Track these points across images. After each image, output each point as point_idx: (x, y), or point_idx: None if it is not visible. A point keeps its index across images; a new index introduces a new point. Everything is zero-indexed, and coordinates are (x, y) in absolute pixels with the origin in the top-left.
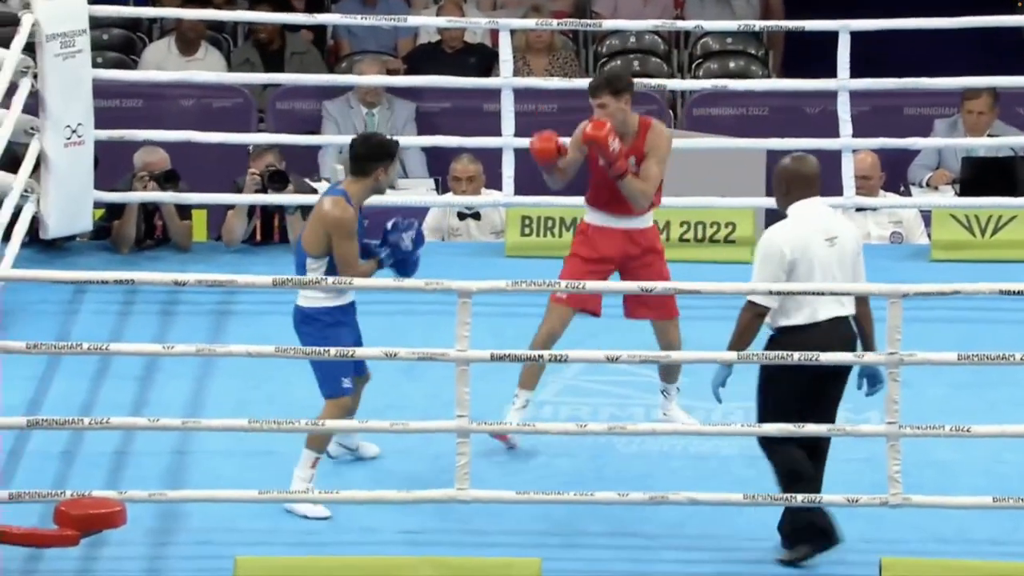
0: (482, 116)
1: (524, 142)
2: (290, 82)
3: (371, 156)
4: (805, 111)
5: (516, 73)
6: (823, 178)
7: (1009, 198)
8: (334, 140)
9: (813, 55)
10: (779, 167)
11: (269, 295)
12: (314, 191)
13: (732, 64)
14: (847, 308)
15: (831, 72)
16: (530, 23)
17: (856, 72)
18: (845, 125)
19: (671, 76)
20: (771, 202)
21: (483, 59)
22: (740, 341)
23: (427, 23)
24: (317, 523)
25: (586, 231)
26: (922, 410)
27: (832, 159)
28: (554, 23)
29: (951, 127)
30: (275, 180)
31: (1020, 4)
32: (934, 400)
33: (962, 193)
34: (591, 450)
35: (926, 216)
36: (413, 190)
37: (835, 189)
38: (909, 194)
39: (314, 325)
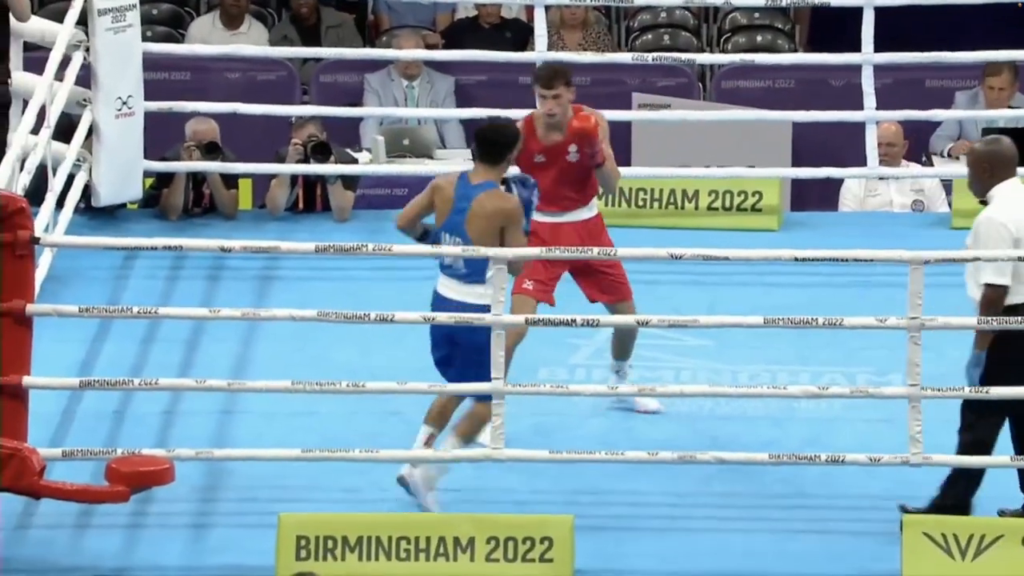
0: (517, 88)
1: None
2: (331, 56)
3: (506, 143)
4: (830, 84)
5: (550, 47)
6: (847, 149)
7: None
8: (373, 112)
9: (838, 30)
10: (976, 152)
11: (311, 261)
12: (355, 161)
13: (759, 38)
14: None
15: (855, 46)
16: None
17: (879, 46)
18: (869, 98)
19: (700, 50)
20: (797, 172)
21: (518, 34)
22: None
23: None
24: (358, 480)
25: (538, 232)
26: (943, 372)
27: (856, 130)
28: None
29: (972, 99)
30: (318, 151)
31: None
32: (954, 363)
33: None
34: (622, 411)
35: (947, 185)
36: (452, 160)
37: (860, 159)
38: (931, 164)
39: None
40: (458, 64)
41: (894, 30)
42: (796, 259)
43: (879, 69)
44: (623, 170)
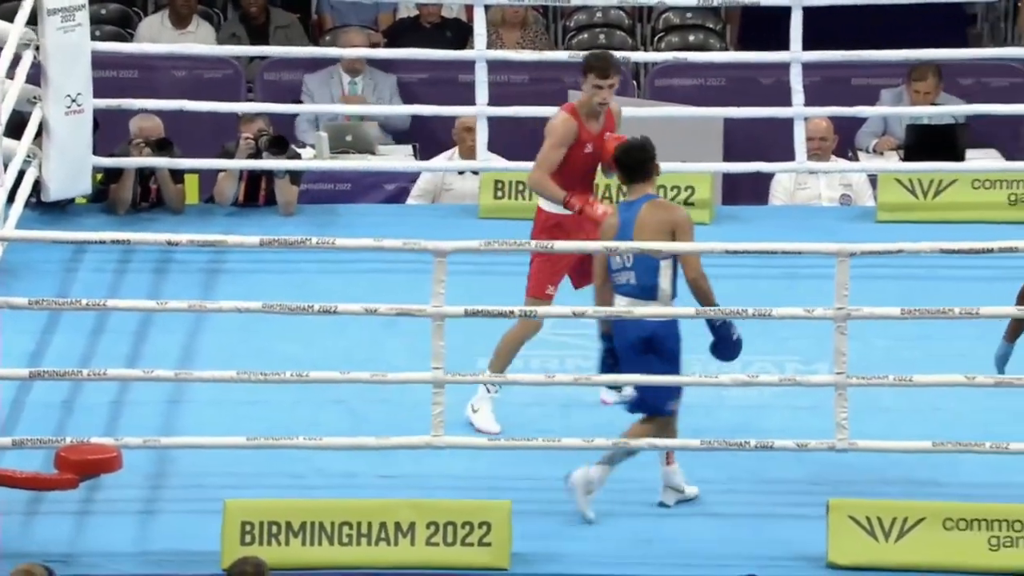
0: (457, 86)
1: (496, 111)
2: (277, 54)
3: (650, 158)
4: (760, 82)
5: (489, 46)
6: (776, 144)
7: (950, 163)
8: (317, 109)
9: (767, 29)
10: None
11: (257, 254)
12: (299, 156)
13: (692, 37)
14: None
15: (784, 45)
16: None
17: (808, 45)
18: (797, 95)
19: (634, 49)
20: (728, 167)
21: (458, 33)
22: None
23: None
24: (302, 467)
25: (562, 224)
26: (868, 361)
27: (785, 126)
28: None
29: (897, 96)
30: (275, 145)
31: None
32: (879, 352)
33: (906, 158)
34: (559, 399)
35: (873, 180)
36: (394, 156)
37: (789, 155)
38: (857, 159)
39: (675, 336)
40: (400, 62)
41: (822, 30)
42: (727, 251)
43: (807, 67)
44: None
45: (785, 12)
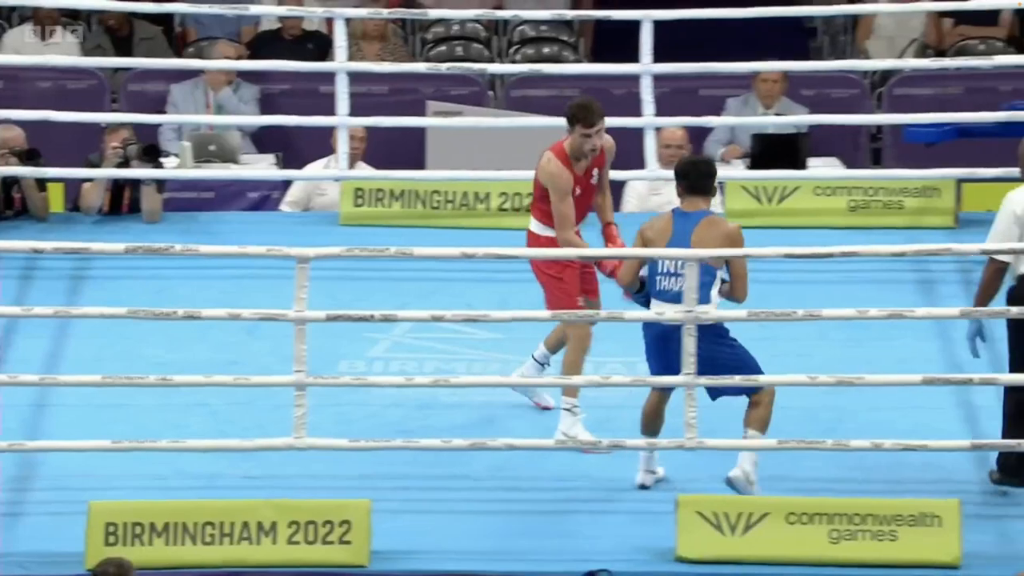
0: (319, 97)
1: (357, 120)
2: (142, 66)
3: (713, 174)
4: (612, 92)
5: (350, 58)
6: (629, 153)
7: (794, 171)
8: (186, 120)
9: (619, 42)
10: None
11: (122, 261)
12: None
13: (546, 50)
14: None
15: (635, 57)
16: (362, 12)
17: (658, 57)
18: (648, 105)
19: (491, 61)
20: None
21: (320, 45)
22: (983, 295)
23: (268, 12)
24: (165, 469)
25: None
26: None
27: (637, 135)
28: (384, 12)
29: (741, 105)
30: (148, 153)
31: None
32: None
33: (752, 166)
34: (418, 401)
35: (721, 187)
36: (256, 165)
37: (640, 162)
38: None
39: (724, 332)
40: (263, 73)
41: (671, 43)
42: (581, 256)
43: (657, 78)
44: (417, 173)
45: (636, 25)
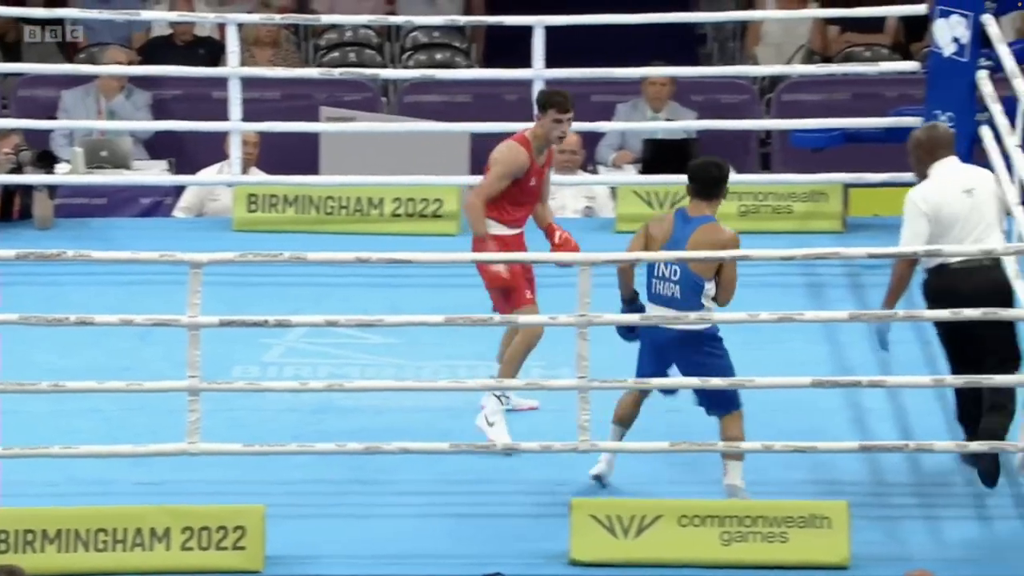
0: (212, 102)
1: (250, 126)
2: (34, 71)
3: (724, 178)
4: (505, 98)
5: (242, 64)
6: None
7: (684, 176)
8: (78, 125)
9: (511, 47)
10: (915, 138)
11: (13, 267)
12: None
13: (439, 55)
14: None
15: (527, 63)
16: (254, 18)
17: (550, 62)
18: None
19: (384, 66)
20: (474, 180)
21: (212, 51)
22: (897, 291)
23: (160, 17)
24: (57, 475)
25: (509, 243)
26: (609, 365)
27: None
28: (276, 18)
29: (631, 109)
30: (42, 159)
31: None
32: (620, 356)
33: (644, 171)
34: (312, 406)
35: (613, 192)
36: (149, 171)
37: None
38: (596, 172)
39: (718, 341)
40: (155, 79)
41: (563, 48)
42: (475, 261)
43: (549, 84)
44: (311, 179)
45: (528, 31)
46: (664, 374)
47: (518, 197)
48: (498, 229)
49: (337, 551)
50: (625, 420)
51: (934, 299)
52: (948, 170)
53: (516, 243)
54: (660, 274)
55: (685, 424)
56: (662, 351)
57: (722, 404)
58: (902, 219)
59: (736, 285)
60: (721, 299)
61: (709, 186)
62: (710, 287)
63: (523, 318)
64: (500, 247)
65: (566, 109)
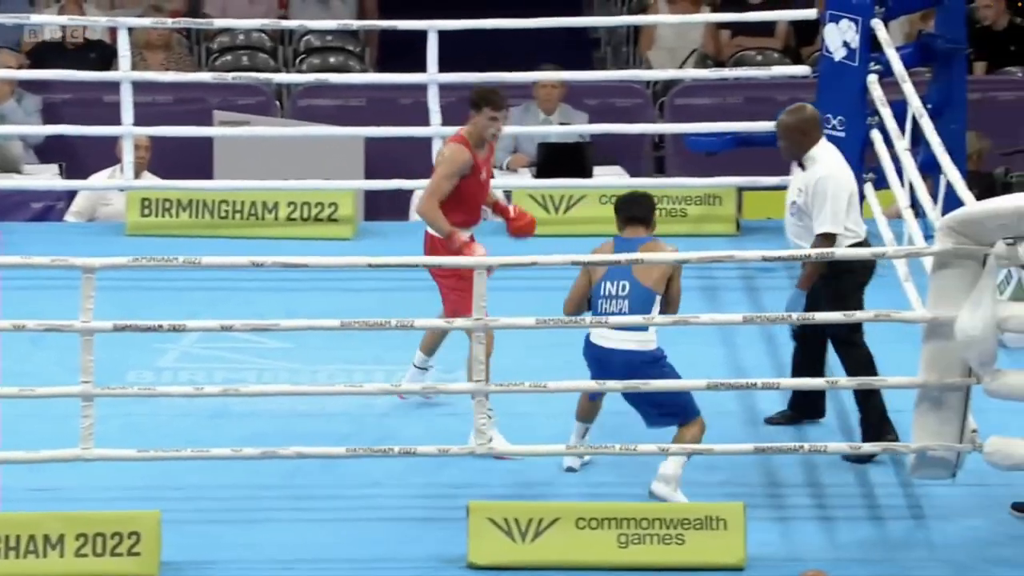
0: (102, 106)
1: (142, 130)
2: None
3: (654, 207)
4: (399, 102)
5: (134, 67)
6: (416, 162)
7: (579, 179)
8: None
9: (405, 51)
10: (786, 124)
11: None
12: None
13: (333, 59)
14: None
15: (422, 66)
16: (146, 22)
17: (444, 67)
18: (434, 114)
19: (277, 70)
20: (370, 184)
21: (103, 54)
22: (814, 272)
23: (49, 21)
24: None
25: (470, 243)
26: (505, 369)
27: (424, 145)
28: (168, 22)
29: (523, 112)
30: None
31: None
32: (516, 360)
33: (538, 175)
34: (208, 411)
35: (508, 195)
36: (39, 175)
37: (428, 172)
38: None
39: (661, 363)
40: (45, 83)
41: (457, 52)
42: (370, 265)
43: (444, 88)
44: (204, 183)
45: (422, 35)
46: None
47: (473, 192)
48: (465, 233)
49: (233, 556)
50: (586, 418)
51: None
52: (830, 149)
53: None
54: (607, 293)
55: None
56: (603, 368)
57: (679, 414)
58: (816, 201)
59: (679, 302)
60: (669, 312)
61: (646, 211)
62: (658, 301)
63: (419, 322)
64: (466, 248)
65: (500, 107)
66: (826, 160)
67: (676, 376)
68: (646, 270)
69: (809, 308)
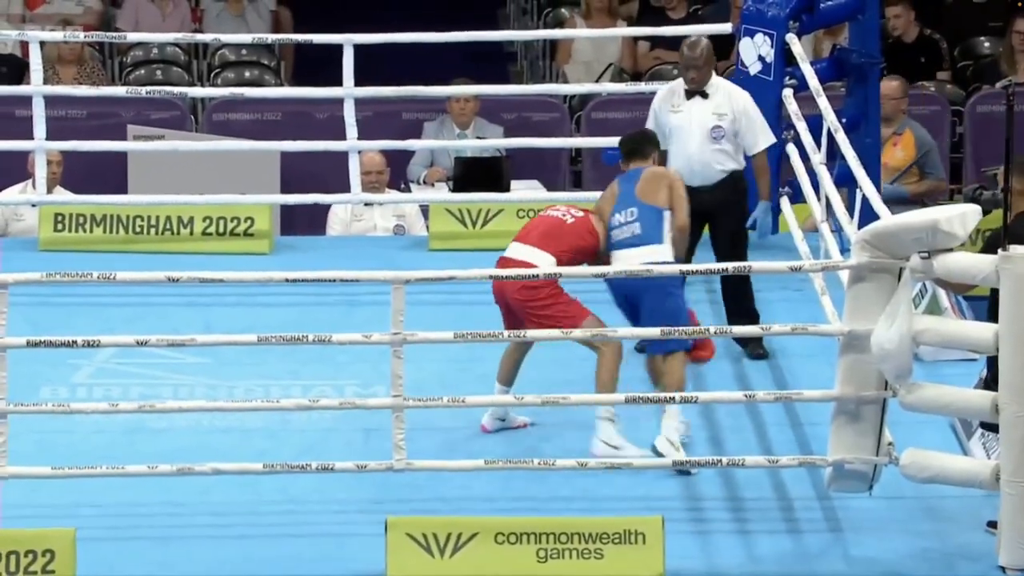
0: (14, 121)
1: (54, 144)
2: None
3: (642, 139)
4: (315, 116)
5: (46, 82)
6: (332, 176)
7: (496, 193)
8: None
9: (321, 65)
10: (705, 49)
11: None
12: None
13: (248, 73)
14: None
15: (338, 81)
16: (58, 35)
17: (360, 81)
18: (351, 128)
19: (191, 84)
20: (286, 198)
21: (14, 68)
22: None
23: None
24: None
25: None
26: (423, 384)
27: (341, 159)
28: (81, 35)
29: (438, 127)
30: None
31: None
32: (434, 374)
33: (455, 189)
34: (123, 427)
35: (424, 210)
36: None
37: (345, 186)
38: (409, 190)
39: (677, 286)
40: None
41: (373, 66)
42: (287, 280)
43: (360, 102)
44: (119, 198)
45: (337, 49)
46: (638, 321)
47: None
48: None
49: (148, 574)
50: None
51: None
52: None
53: None
54: (618, 223)
55: (498, 441)
56: (629, 302)
57: (669, 342)
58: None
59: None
60: (678, 220)
61: (640, 144)
62: (668, 215)
63: (337, 337)
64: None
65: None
66: (728, 84)
67: (683, 303)
68: (649, 192)
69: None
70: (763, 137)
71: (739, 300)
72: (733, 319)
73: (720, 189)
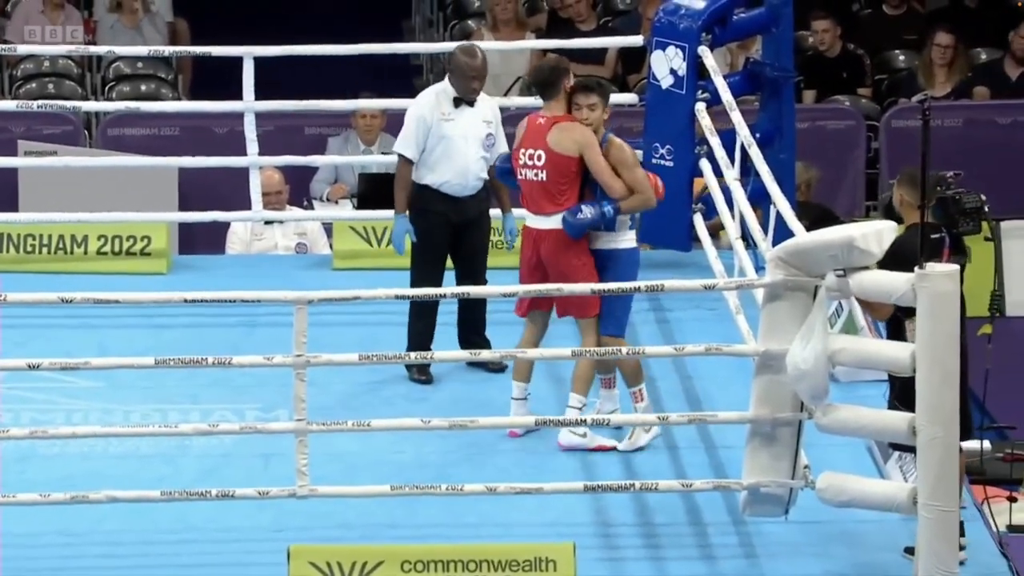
0: None
1: None
2: None
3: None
4: (214, 131)
5: None
6: (232, 194)
7: None
8: None
9: (220, 79)
10: (483, 57)
11: None
12: None
13: (144, 87)
14: None
15: (238, 95)
16: None
17: (261, 95)
18: (251, 144)
19: (85, 98)
20: (184, 216)
21: None
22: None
23: None
24: None
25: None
26: (327, 407)
27: (241, 175)
28: None
29: (343, 143)
30: None
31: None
32: (338, 396)
33: (360, 206)
34: (14, 454)
35: (328, 228)
36: None
37: (245, 203)
38: (312, 208)
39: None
40: None
41: (274, 80)
42: (185, 300)
43: (261, 117)
44: (9, 216)
45: (237, 62)
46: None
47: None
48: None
49: None
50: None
51: None
52: None
53: None
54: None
55: (405, 467)
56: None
57: (606, 317)
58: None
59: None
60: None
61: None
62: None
63: (238, 359)
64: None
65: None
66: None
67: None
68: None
69: None
70: (503, 144)
71: (477, 325)
72: (467, 340)
73: (480, 199)
